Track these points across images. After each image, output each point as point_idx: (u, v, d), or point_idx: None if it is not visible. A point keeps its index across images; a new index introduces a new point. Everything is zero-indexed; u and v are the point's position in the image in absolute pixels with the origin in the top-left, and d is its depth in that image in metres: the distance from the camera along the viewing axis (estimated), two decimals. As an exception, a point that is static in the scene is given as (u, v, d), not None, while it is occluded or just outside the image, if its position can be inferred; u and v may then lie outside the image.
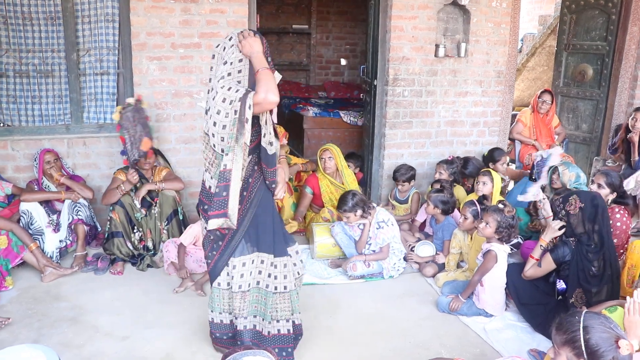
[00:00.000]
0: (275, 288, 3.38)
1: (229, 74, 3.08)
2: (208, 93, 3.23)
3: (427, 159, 6.38)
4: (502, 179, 5.61)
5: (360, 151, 7.16)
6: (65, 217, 4.97)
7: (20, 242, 4.54)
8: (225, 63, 3.11)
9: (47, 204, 5.02)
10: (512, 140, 7.08)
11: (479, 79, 6.36)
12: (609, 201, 4.56)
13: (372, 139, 6.39)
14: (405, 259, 5.00)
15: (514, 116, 7.18)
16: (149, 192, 5.07)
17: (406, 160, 6.21)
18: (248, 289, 3.34)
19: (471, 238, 4.75)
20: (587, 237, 3.81)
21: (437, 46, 6.05)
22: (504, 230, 4.19)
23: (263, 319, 3.44)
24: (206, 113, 3.19)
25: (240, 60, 3.11)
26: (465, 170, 5.97)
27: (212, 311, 3.47)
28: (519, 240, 5.08)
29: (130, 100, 4.99)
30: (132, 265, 4.92)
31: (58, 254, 4.90)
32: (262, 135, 3.17)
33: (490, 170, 5.47)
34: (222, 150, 3.05)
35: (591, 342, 2.23)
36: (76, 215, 4.98)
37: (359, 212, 4.81)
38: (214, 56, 3.23)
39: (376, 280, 4.79)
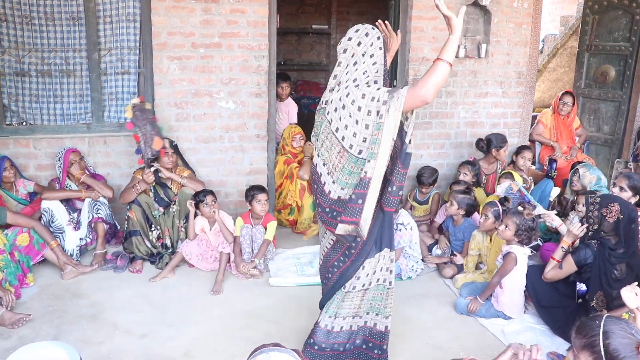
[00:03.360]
0: (390, 283, 3.34)
1: (364, 73, 2.97)
2: (331, 93, 3.05)
3: (447, 159, 6.35)
4: (524, 179, 5.57)
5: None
6: (86, 216, 5.02)
7: (42, 239, 4.58)
8: (356, 63, 2.99)
9: (68, 203, 5.08)
10: (532, 141, 7.02)
11: (499, 79, 6.32)
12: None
13: (391, 140, 6.36)
14: (423, 259, 4.99)
15: (534, 117, 7.12)
16: (167, 191, 5.10)
17: (425, 161, 6.18)
18: (369, 287, 3.25)
19: (490, 240, 4.71)
20: (613, 242, 3.77)
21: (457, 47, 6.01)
22: (524, 233, 4.15)
23: (377, 314, 3.35)
24: (331, 113, 3.02)
25: (376, 59, 3.02)
26: (492, 146, 5.92)
27: (329, 316, 3.26)
28: (539, 242, 5.04)
29: (135, 100, 5.09)
30: (151, 264, 4.95)
31: (78, 251, 4.95)
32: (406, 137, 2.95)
33: (512, 172, 5.43)
34: (360, 152, 2.90)
35: (611, 348, 2.19)
36: (96, 213, 5.02)
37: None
38: (345, 50, 3.03)
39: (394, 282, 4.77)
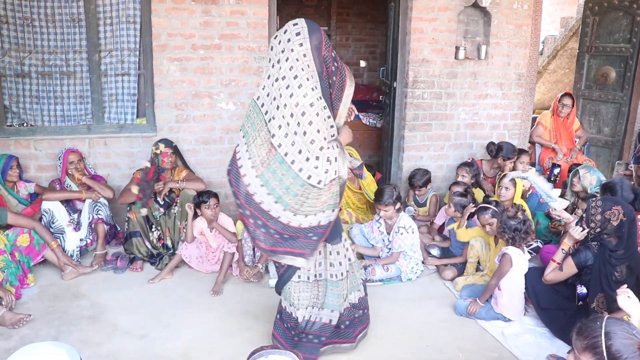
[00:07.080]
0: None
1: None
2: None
3: (446, 161, 6.34)
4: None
5: (379, 153, 7.12)
6: (86, 216, 5.02)
7: (42, 240, 4.59)
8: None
9: (68, 203, 5.08)
10: (532, 143, 7.02)
11: (499, 81, 6.31)
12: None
13: (391, 141, 6.37)
14: (423, 261, 4.98)
15: (534, 119, 7.12)
16: (169, 192, 5.10)
17: (425, 162, 6.18)
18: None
19: (496, 244, 4.67)
20: (614, 244, 3.77)
21: (457, 48, 6.01)
22: (508, 233, 4.16)
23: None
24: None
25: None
26: (501, 154, 5.95)
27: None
28: (539, 244, 5.03)
29: (135, 189, 4.95)
30: (152, 264, 4.95)
31: (78, 252, 4.95)
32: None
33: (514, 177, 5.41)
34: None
35: (613, 349, 2.19)
36: (96, 214, 5.02)
37: (398, 205, 4.80)
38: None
39: (394, 283, 4.77)
